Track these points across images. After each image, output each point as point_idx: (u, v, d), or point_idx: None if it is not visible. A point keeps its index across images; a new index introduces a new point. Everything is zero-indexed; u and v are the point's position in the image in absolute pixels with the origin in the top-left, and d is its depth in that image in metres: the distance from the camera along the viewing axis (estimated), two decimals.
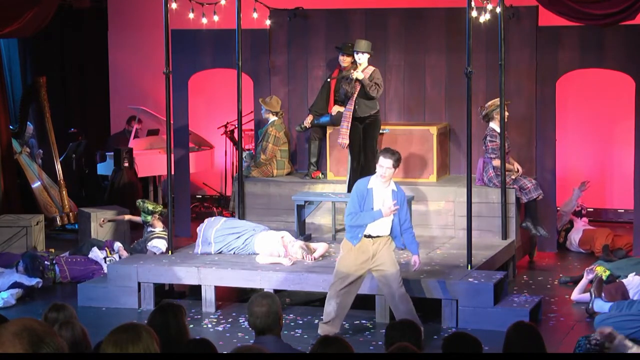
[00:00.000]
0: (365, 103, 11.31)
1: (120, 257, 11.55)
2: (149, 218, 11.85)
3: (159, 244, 11.43)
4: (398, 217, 8.87)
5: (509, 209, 11.35)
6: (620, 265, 10.57)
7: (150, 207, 11.94)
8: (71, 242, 12.43)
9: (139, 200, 12.20)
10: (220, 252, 10.68)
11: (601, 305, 9.67)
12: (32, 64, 16.46)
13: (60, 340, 3.68)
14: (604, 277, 10.11)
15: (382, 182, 8.85)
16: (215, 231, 10.75)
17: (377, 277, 8.99)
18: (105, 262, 11.41)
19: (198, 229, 10.95)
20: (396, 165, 8.83)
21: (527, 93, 12.09)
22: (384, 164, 8.77)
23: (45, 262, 11.27)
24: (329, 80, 12.35)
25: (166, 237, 11.24)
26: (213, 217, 11.25)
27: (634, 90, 11.84)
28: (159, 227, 11.74)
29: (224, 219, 11.11)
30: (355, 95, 11.26)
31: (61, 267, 11.34)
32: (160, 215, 11.86)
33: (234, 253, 10.67)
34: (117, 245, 11.87)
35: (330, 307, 8.94)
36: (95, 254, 11.61)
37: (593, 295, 9.87)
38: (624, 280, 10.03)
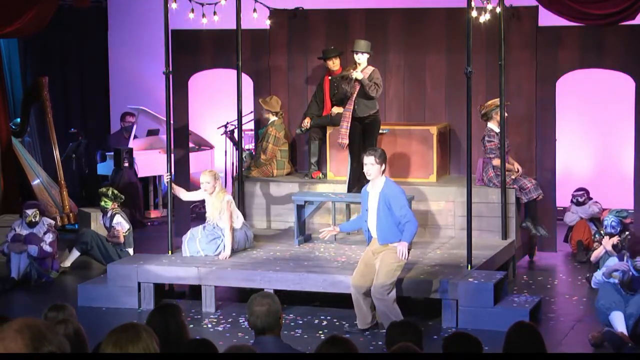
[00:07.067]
0: (364, 103, 11.30)
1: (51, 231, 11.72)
2: (109, 204, 12.05)
3: (122, 220, 11.99)
4: (392, 218, 9.11)
5: (509, 209, 11.35)
6: None
7: (115, 193, 12.18)
8: (71, 242, 12.40)
9: (105, 189, 12.25)
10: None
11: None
12: (32, 64, 16.46)
13: (62, 338, 3.69)
14: None
15: (371, 182, 9.22)
16: (198, 242, 10.65)
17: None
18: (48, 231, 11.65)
19: (183, 237, 10.83)
20: (380, 161, 9.15)
21: (527, 93, 12.07)
22: (367, 161, 9.18)
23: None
24: (321, 83, 12.36)
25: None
26: (190, 230, 10.96)
27: (634, 90, 11.83)
28: (117, 209, 12.13)
29: (201, 227, 10.82)
30: (355, 95, 11.26)
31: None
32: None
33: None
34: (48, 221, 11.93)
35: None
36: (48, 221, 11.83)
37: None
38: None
